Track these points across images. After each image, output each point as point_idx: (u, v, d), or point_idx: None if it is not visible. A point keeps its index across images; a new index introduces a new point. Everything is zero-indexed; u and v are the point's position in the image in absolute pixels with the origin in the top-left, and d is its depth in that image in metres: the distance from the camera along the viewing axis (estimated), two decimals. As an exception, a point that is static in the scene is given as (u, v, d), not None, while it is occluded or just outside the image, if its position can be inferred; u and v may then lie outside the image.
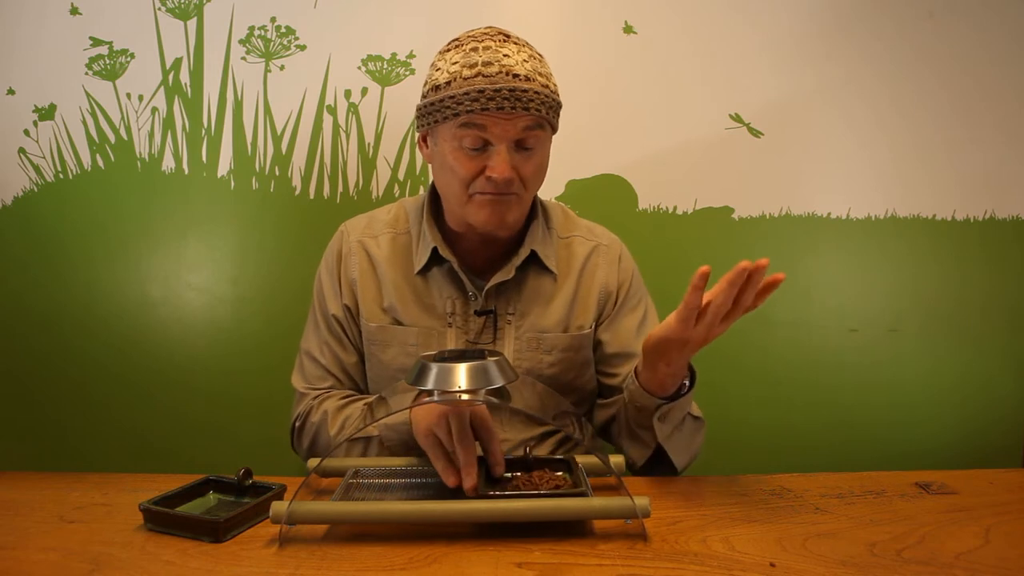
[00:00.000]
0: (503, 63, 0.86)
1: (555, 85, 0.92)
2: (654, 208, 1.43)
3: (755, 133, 1.42)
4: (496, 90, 0.85)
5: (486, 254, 1.00)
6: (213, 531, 0.72)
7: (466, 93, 0.85)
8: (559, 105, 0.92)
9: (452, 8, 1.36)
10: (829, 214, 1.44)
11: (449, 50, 0.91)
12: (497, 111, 0.85)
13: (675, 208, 1.43)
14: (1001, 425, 1.46)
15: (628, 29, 1.41)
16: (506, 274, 0.96)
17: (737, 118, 1.42)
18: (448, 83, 0.87)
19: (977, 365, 1.46)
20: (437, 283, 0.99)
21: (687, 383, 0.88)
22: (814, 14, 1.41)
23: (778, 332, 1.44)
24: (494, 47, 0.87)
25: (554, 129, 0.94)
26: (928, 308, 1.45)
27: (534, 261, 0.99)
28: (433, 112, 0.89)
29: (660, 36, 1.41)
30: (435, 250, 0.97)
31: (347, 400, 1.00)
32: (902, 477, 0.91)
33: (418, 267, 0.98)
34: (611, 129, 1.42)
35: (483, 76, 0.85)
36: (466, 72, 0.86)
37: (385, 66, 1.41)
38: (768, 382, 1.44)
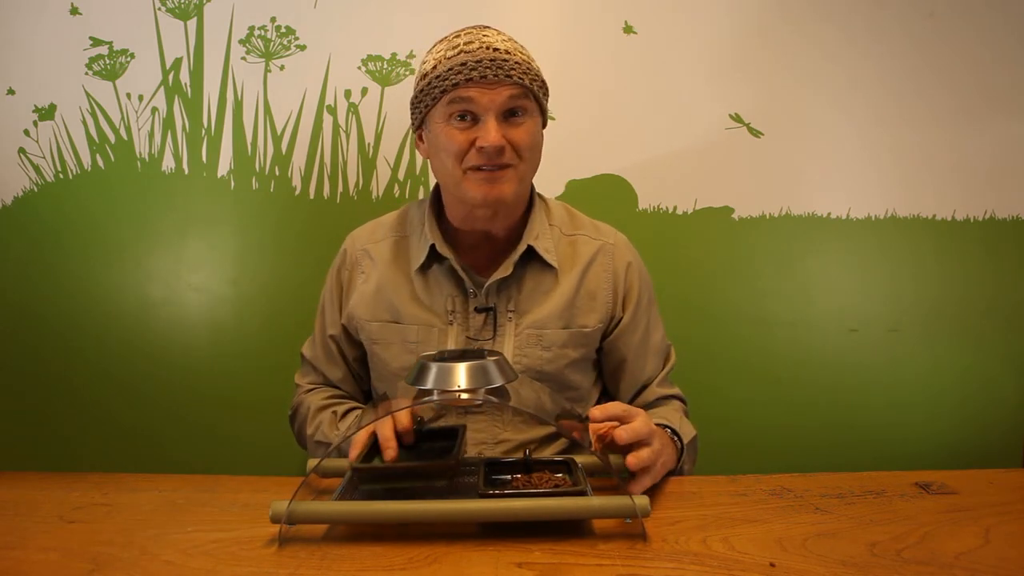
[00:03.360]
0: (483, 41, 0.91)
1: (539, 69, 0.95)
2: (654, 208, 1.43)
3: (755, 133, 1.42)
4: (477, 61, 0.88)
5: (486, 251, 1.00)
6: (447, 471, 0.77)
7: (450, 69, 0.89)
8: (544, 85, 0.95)
9: (452, 8, 1.36)
10: (829, 214, 1.44)
11: (435, 45, 0.95)
12: (480, 80, 0.88)
13: (675, 208, 1.43)
14: (1001, 425, 1.46)
15: (628, 29, 1.41)
16: (504, 271, 0.96)
17: (737, 118, 1.42)
18: (434, 68, 0.92)
19: (977, 365, 1.45)
20: (437, 281, 0.99)
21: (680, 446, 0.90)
22: (815, 14, 1.41)
23: (778, 332, 1.44)
24: (476, 31, 0.93)
25: (543, 110, 0.96)
26: (928, 308, 1.45)
27: (534, 257, 0.99)
28: (424, 98, 0.93)
29: (660, 36, 1.41)
30: (434, 248, 0.97)
31: (328, 401, 1.04)
32: (902, 477, 0.90)
33: (417, 264, 0.99)
34: (611, 129, 1.42)
35: (465, 52, 0.90)
36: (449, 53, 0.91)
37: (385, 66, 1.41)
38: (768, 382, 1.44)
